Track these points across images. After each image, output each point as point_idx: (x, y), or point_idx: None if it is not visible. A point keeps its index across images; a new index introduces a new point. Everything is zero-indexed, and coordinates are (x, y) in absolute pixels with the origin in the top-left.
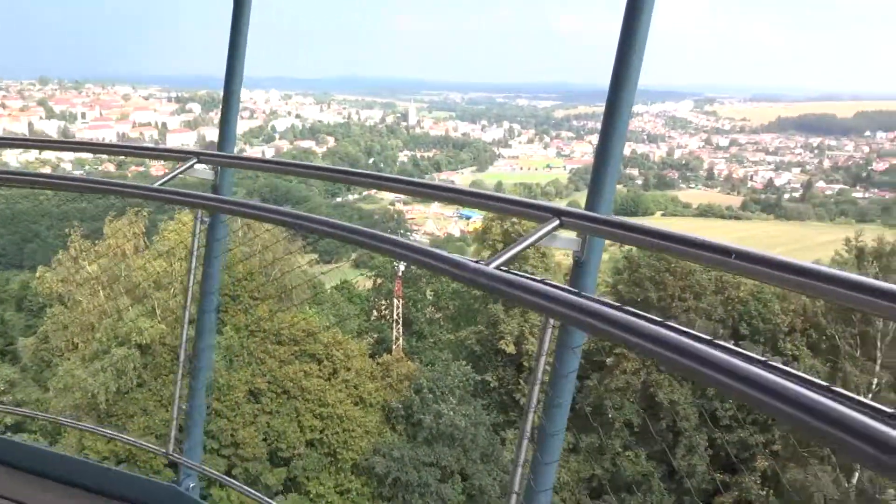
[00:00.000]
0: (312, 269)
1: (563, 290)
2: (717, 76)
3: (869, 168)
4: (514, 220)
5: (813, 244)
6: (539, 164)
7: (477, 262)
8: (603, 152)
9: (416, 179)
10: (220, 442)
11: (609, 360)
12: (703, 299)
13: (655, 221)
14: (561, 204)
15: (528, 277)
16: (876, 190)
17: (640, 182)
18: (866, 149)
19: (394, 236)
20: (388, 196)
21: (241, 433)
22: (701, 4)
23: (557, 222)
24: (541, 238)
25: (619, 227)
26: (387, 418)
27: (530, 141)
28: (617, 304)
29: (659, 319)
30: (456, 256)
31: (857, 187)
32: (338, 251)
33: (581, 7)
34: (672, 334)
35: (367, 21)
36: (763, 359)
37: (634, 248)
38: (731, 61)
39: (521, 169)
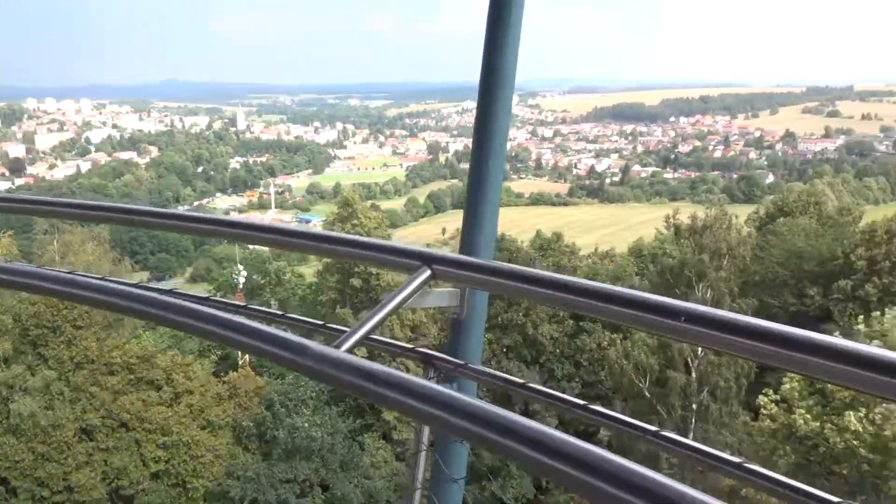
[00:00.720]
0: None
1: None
2: (538, 70)
3: (676, 151)
4: (357, 221)
5: (634, 223)
6: (376, 164)
7: (324, 343)
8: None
9: (240, 221)
10: (50, 489)
11: None
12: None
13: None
14: (402, 201)
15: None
16: (683, 170)
17: None
18: (672, 133)
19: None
20: (221, 204)
21: (74, 476)
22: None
23: (428, 273)
24: (409, 297)
25: (514, 278)
26: (238, 439)
27: (365, 141)
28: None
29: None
30: (289, 336)
31: (668, 169)
32: (171, 267)
33: (392, 7)
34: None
35: (182, 24)
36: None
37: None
38: (549, 55)
39: (359, 169)
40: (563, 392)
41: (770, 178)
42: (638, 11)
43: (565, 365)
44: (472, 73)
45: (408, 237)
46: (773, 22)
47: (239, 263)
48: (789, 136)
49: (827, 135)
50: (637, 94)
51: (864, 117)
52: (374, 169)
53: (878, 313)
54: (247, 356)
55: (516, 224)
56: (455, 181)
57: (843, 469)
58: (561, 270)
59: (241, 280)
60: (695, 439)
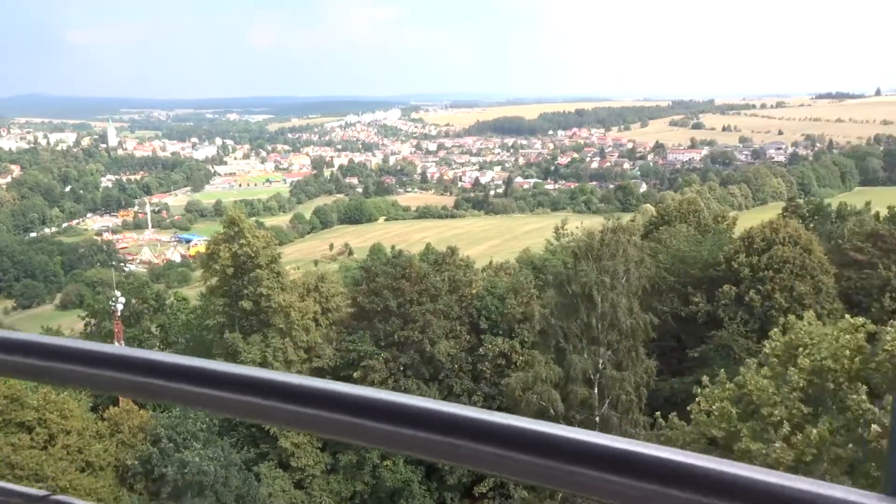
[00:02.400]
0: (9, 317)
1: None
2: (420, 85)
3: (555, 163)
4: (244, 241)
5: (519, 233)
6: (258, 180)
7: None
8: None
9: None
10: None
11: (356, 374)
12: (440, 300)
13: (380, 226)
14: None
15: None
16: (563, 181)
17: (360, 190)
18: (551, 146)
19: None
20: (92, 225)
21: None
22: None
23: None
24: None
25: None
26: (122, 479)
27: (246, 156)
28: None
29: None
30: None
31: (548, 180)
32: (38, 294)
33: (272, 21)
34: None
35: (34, 34)
36: None
37: (370, 258)
38: (429, 71)
39: (240, 185)
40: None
41: (644, 187)
42: (512, 30)
43: (464, 380)
44: (354, 88)
45: (294, 254)
46: (639, 40)
47: (116, 289)
48: (659, 148)
49: (693, 146)
50: (516, 108)
51: (724, 129)
52: (256, 185)
53: (793, 317)
54: None
55: (404, 237)
56: (341, 196)
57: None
58: (459, 284)
59: (119, 307)
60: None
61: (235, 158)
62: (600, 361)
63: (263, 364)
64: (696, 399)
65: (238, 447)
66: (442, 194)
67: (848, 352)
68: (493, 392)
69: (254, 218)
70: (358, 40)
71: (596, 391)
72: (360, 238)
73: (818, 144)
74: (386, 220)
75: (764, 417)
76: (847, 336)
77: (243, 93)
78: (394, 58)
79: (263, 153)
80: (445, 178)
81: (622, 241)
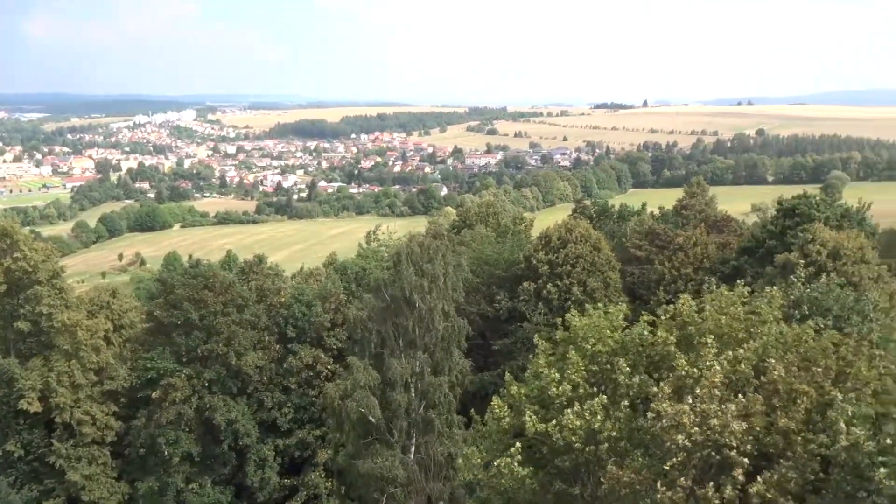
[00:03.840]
0: None
1: None
2: (216, 86)
3: (359, 166)
4: (19, 254)
5: (325, 238)
6: (33, 185)
7: None
8: None
9: None
10: None
11: (155, 394)
12: (247, 311)
13: (175, 234)
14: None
15: None
16: (367, 185)
17: (152, 195)
18: (354, 149)
19: None
20: None
21: None
22: (192, 13)
23: None
24: None
25: None
26: None
27: (18, 159)
28: None
29: None
30: None
31: (352, 184)
32: None
33: (51, 8)
34: None
35: None
36: None
37: (165, 268)
38: (226, 71)
39: (11, 192)
40: None
41: (444, 191)
42: (314, 33)
43: (275, 393)
44: (144, 86)
45: (78, 266)
46: (437, 48)
47: None
48: (458, 152)
49: (489, 150)
50: (318, 111)
51: (516, 135)
52: (31, 191)
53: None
54: None
55: (203, 245)
56: (131, 202)
57: (562, 461)
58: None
59: None
60: (416, 450)
61: (4, 161)
62: (417, 365)
63: (46, 391)
64: (493, 401)
65: (17, 486)
66: (243, 199)
67: (610, 333)
68: (303, 403)
69: (29, 228)
70: (149, 35)
71: (414, 394)
72: (154, 247)
73: (597, 150)
74: (182, 226)
75: (553, 400)
76: (608, 321)
77: (13, 88)
78: (188, 56)
79: (38, 155)
80: (246, 181)
81: (440, 245)
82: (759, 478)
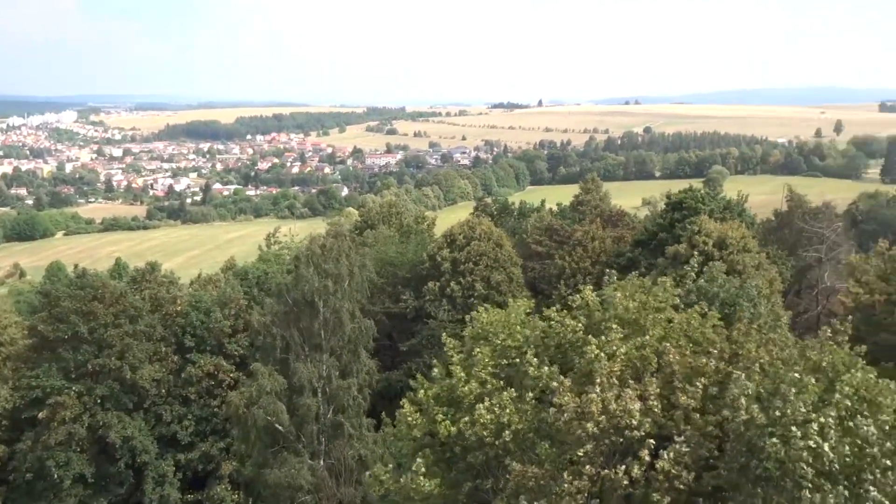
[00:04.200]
0: None
1: None
2: (99, 85)
3: (256, 168)
4: None
5: (222, 242)
6: None
7: None
8: None
9: None
10: None
11: (42, 414)
12: (141, 321)
13: (58, 242)
14: None
15: None
16: (265, 187)
17: (31, 202)
18: (250, 151)
19: None
20: None
21: None
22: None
23: None
24: None
25: None
26: None
27: None
28: None
29: None
30: None
31: (249, 186)
32: None
33: None
34: None
35: None
36: None
37: (48, 280)
38: (110, 70)
39: None
40: None
41: (345, 191)
42: (204, 32)
43: (174, 405)
44: (19, 86)
45: None
46: (334, 47)
47: None
48: (358, 152)
49: (388, 150)
50: (211, 111)
51: (416, 135)
52: None
53: (481, 308)
54: None
55: (90, 253)
56: (6, 209)
57: (475, 457)
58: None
59: None
60: (326, 455)
61: None
62: (324, 368)
63: None
64: (403, 405)
65: None
66: (132, 204)
67: (519, 328)
68: (205, 414)
69: None
70: (23, 31)
71: (323, 399)
72: (34, 256)
73: (496, 149)
74: (66, 234)
75: (462, 398)
76: (514, 315)
77: None
78: (67, 54)
79: None
80: (135, 186)
81: (343, 246)
82: (665, 454)
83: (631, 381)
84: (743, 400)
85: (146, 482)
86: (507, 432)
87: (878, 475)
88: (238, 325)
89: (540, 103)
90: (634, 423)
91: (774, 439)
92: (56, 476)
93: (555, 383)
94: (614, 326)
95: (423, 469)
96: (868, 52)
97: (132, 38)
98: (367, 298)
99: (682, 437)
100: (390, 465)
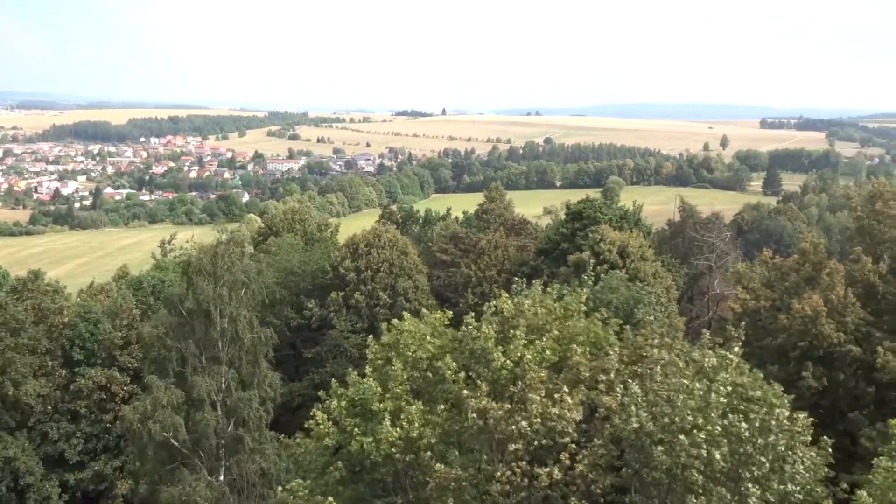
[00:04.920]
0: None
1: None
2: None
3: (150, 172)
4: None
5: (114, 249)
6: None
7: None
8: None
9: None
10: None
11: None
12: (23, 334)
13: None
14: None
15: None
16: (160, 191)
17: None
18: (144, 154)
19: None
20: None
21: None
22: None
23: None
24: None
25: None
26: None
27: None
28: None
29: None
30: None
31: (143, 190)
32: None
33: None
34: None
35: None
36: None
37: None
38: None
39: None
40: None
41: (246, 197)
42: (92, 26)
43: (62, 423)
44: None
45: None
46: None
47: None
48: (259, 157)
49: (291, 156)
50: (101, 112)
51: (319, 140)
52: None
53: (395, 320)
54: None
55: None
56: None
57: (383, 474)
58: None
59: None
60: (227, 470)
61: None
62: (223, 381)
63: None
64: (313, 413)
65: None
66: (13, 208)
67: (429, 338)
68: (96, 431)
69: None
70: None
71: (223, 412)
72: None
73: (400, 157)
74: None
75: (375, 414)
76: (429, 328)
77: None
78: None
79: None
80: (17, 189)
81: (237, 252)
82: (581, 457)
83: (563, 388)
84: (633, 407)
85: None
86: (421, 444)
87: (756, 472)
88: (131, 336)
89: (444, 112)
90: (570, 428)
91: (660, 448)
92: None
93: (466, 391)
94: (518, 333)
95: (335, 485)
96: (751, 72)
97: (13, 33)
98: (267, 308)
99: (600, 441)
100: (308, 481)
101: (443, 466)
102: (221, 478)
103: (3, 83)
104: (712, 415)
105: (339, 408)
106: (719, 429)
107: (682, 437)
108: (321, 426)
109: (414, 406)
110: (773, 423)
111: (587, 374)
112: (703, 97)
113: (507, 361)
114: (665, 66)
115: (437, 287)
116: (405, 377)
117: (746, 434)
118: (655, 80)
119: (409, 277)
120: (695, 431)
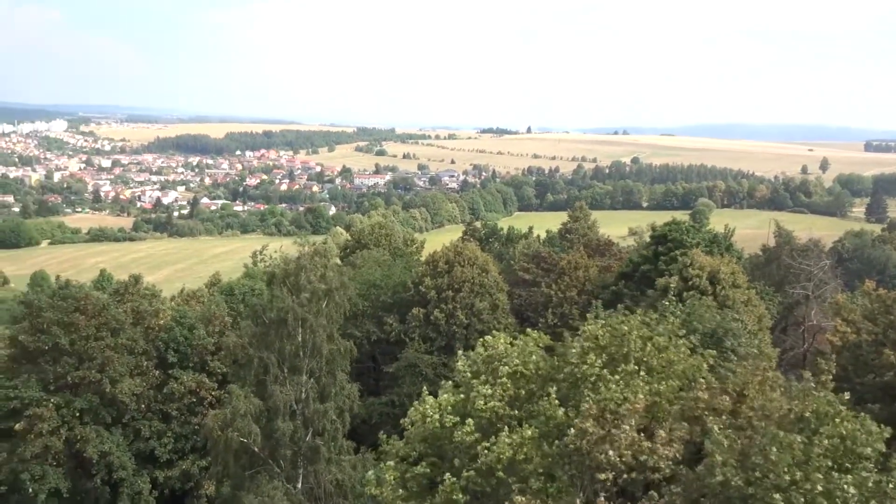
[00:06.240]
0: None
1: None
2: (90, 96)
3: (244, 183)
4: None
5: (208, 257)
6: None
7: None
8: None
9: None
10: None
11: (19, 426)
12: (122, 334)
13: (43, 251)
14: None
15: None
16: (252, 203)
17: (17, 210)
18: (239, 166)
19: None
20: None
21: None
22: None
23: None
24: None
25: None
26: None
27: None
28: None
29: None
30: None
31: (237, 201)
32: None
33: None
34: None
35: None
36: None
37: (32, 289)
38: (100, 82)
39: None
40: None
41: (333, 210)
42: (195, 47)
43: (154, 421)
44: (9, 93)
45: None
46: (327, 66)
47: None
48: (346, 172)
49: (377, 171)
50: (201, 126)
51: (405, 156)
52: None
53: (489, 337)
54: None
55: (75, 263)
56: None
57: (481, 485)
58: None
59: None
60: (304, 479)
61: None
62: (303, 391)
63: None
64: (404, 421)
65: None
66: (118, 215)
67: (535, 359)
68: (185, 431)
69: None
70: (10, 40)
71: (300, 422)
72: (18, 265)
73: (484, 173)
74: (51, 243)
75: (479, 413)
76: (532, 346)
77: None
78: (56, 64)
79: None
80: (122, 197)
81: (320, 264)
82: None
83: (655, 423)
84: (718, 457)
85: (122, 499)
86: (527, 468)
87: None
88: (222, 342)
89: (528, 130)
90: (662, 465)
91: None
92: (31, 490)
93: (569, 419)
94: (634, 367)
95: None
96: (853, 93)
97: (120, 51)
98: (350, 320)
99: (677, 488)
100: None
101: (521, 499)
102: (299, 486)
103: (115, 99)
104: (819, 476)
105: (439, 406)
106: (820, 488)
107: (776, 495)
108: (430, 410)
109: (529, 430)
110: (892, 487)
111: (700, 411)
112: (802, 118)
113: (620, 396)
114: (757, 86)
115: (516, 306)
116: (510, 386)
117: (855, 500)
118: (746, 99)
119: (490, 295)
120: (792, 488)
